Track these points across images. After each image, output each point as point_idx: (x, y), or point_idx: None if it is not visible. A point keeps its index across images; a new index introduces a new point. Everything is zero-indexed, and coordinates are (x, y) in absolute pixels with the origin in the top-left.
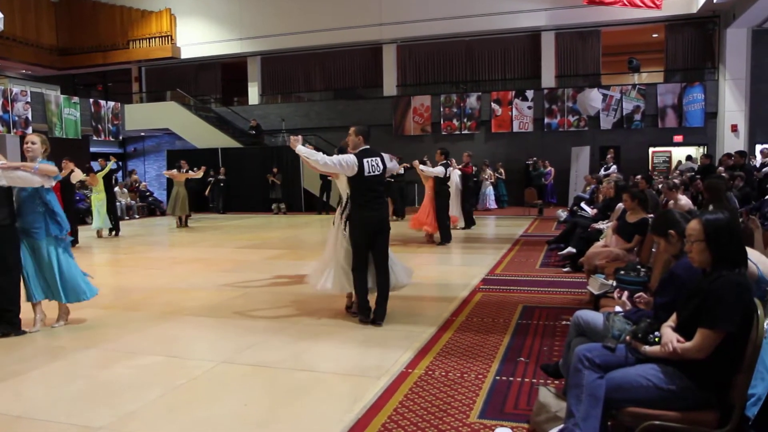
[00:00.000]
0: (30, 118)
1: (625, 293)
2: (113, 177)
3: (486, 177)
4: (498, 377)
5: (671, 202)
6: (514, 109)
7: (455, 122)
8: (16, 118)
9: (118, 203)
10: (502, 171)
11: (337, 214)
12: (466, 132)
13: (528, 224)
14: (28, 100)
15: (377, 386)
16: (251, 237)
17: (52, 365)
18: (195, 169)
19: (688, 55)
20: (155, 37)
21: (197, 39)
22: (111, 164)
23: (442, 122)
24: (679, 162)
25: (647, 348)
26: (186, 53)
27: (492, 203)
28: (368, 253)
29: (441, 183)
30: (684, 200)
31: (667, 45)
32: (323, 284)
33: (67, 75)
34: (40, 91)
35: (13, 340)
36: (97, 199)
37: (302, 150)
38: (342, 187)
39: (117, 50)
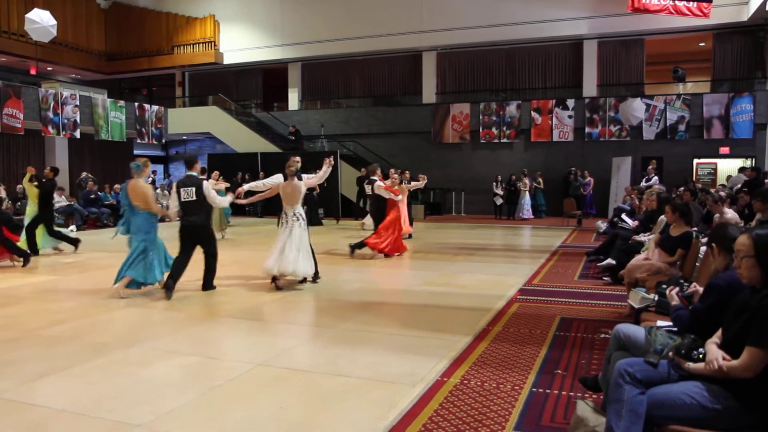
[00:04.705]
0: (78, 120)
1: (676, 288)
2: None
3: (522, 186)
4: (534, 389)
5: (717, 216)
6: (554, 118)
7: (494, 130)
8: (66, 121)
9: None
10: (541, 180)
11: (300, 216)
12: (505, 140)
13: (566, 235)
14: (77, 103)
15: (412, 394)
16: None
17: (94, 362)
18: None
19: (736, 65)
20: (199, 43)
21: (239, 45)
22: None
23: (481, 130)
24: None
25: (691, 364)
26: (228, 59)
27: (528, 213)
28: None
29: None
30: (730, 214)
31: (715, 54)
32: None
33: (114, 79)
34: (88, 94)
35: (57, 337)
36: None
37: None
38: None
39: (162, 55)
